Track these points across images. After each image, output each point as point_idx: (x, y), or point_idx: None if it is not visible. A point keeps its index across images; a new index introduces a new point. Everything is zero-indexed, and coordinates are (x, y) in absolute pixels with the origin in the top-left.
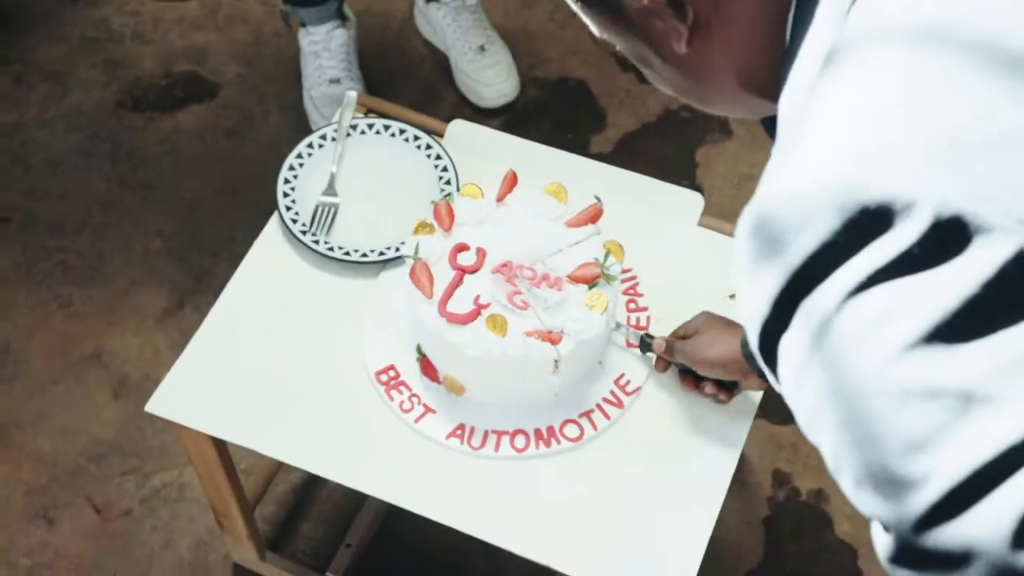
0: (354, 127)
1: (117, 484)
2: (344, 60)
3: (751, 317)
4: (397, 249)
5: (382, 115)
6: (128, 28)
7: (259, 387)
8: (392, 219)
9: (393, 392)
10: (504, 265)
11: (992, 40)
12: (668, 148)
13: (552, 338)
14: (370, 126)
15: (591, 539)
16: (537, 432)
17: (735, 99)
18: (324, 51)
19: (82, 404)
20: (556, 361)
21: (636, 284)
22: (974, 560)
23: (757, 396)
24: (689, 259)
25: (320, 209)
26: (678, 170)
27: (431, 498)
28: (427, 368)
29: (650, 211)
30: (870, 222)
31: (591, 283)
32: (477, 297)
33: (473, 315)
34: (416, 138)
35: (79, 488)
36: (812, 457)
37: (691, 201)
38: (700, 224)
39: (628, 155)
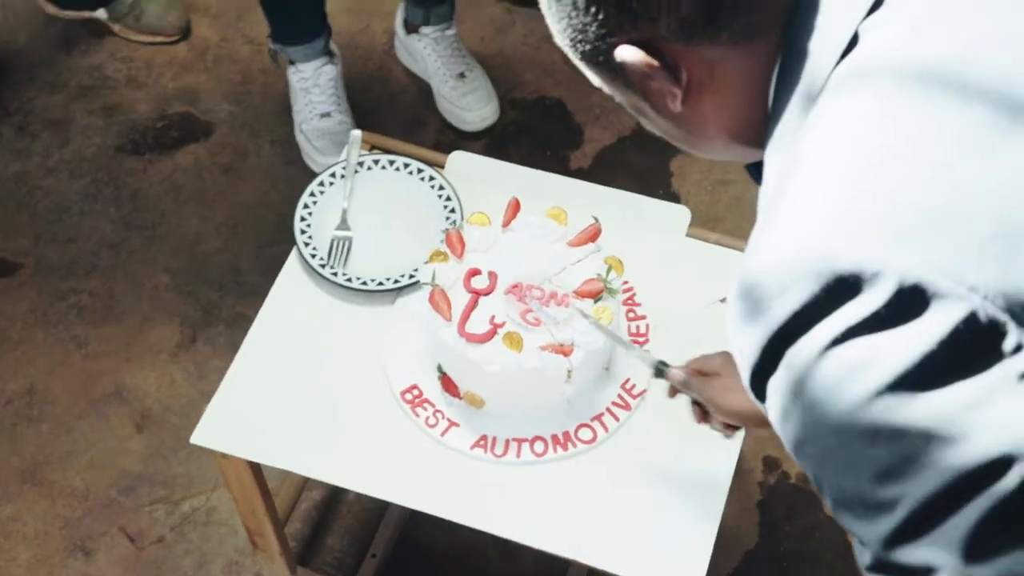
0: (361, 164)
1: (148, 513)
2: (333, 94)
3: (743, 361)
4: (411, 276)
5: (385, 151)
6: (122, 74)
7: (292, 412)
8: (403, 248)
9: (418, 409)
10: (515, 286)
11: (968, 81)
12: (643, 160)
13: (564, 350)
14: (376, 162)
15: (610, 532)
16: (554, 437)
17: (725, 148)
18: (314, 87)
19: (108, 439)
20: (569, 371)
21: (633, 295)
22: (937, 572)
23: None
24: (680, 268)
25: (335, 243)
26: (654, 180)
27: (460, 504)
28: (448, 385)
29: (641, 226)
30: (843, 288)
31: (596, 297)
32: (492, 317)
33: (490, 334)
34: (420, 171)
35: (112, 519)
36: None
37: (678, 214)
38: (688, 235)
39: (606, 169)
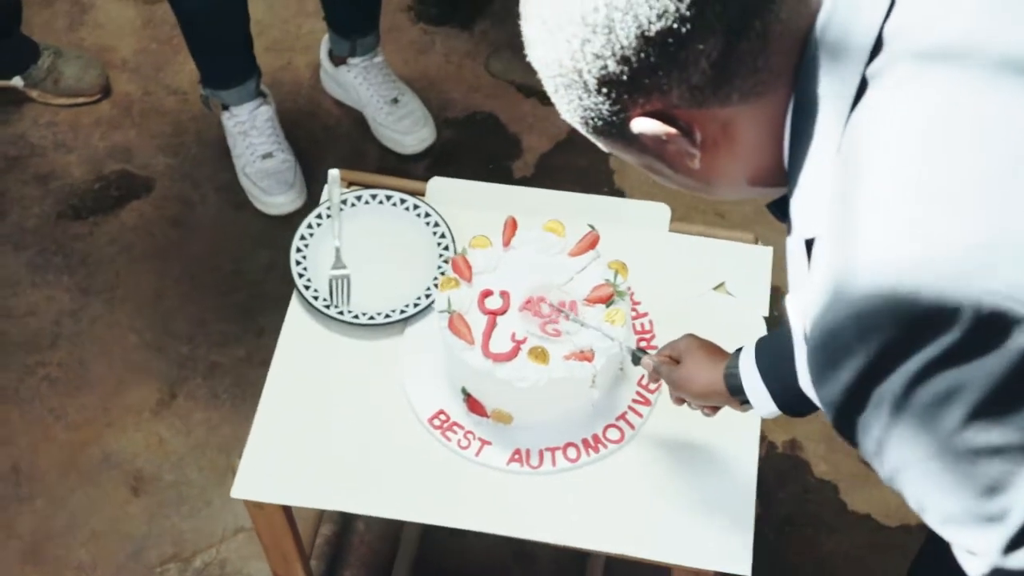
0: (344, 201)
1: (160, 575)
2: (272, 134)
3: (828, 405)
4: (416, 304)
5: (363, 185)
6: (48, 140)
7: (324, 453)
8: (402, 278)
9: (448, 433)
10: (528, 302)
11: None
12: (582, 161)
13: (587, 356)
14: (358, 198)
15: (653, 524)
16: (584, 442)
17: (742, 192)
18: (252, 129)
19: (105, 507)
20: (594, 376)
21: (632, 293)
22: None
23: None
24: (669, 262)
25: (335, 282)
26: (597, 180)
27: (504, 518)
28: (474, 406)
29: (626, 227)
30: (923, 327)
31: (608, 301)
32: (513, 334)
33: (515, 351)
34: (402, 201)
35: None
36: None
37: (659, 212)
38: (671, 230)
39: (548, 175)
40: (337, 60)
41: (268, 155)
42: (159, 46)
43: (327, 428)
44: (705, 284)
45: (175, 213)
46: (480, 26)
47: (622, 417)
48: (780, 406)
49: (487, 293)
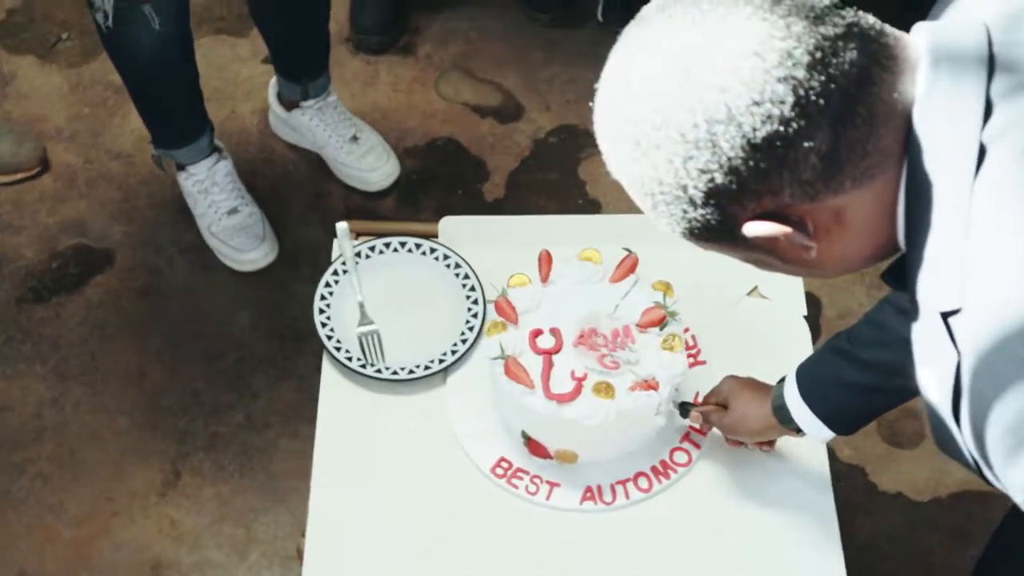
0: (358, 254)
1: None
2: (234, 188)
3: (1020, 492)
4: (454, 351)
5: (373, 235)
6: None
7: (386, 524)
8: (432, 324)
9: (514, 480)
10: (581, 336)
11: None
12: (552, 174)
13: (652, 385)
14: (372, 248)
15: (736, 546)
16: (654, 469)
17: (854, 268)
18: (212, 186)
19: None
20: (659, 404)
21: None
22: None
23: None
24: (698, 273)
25: (364, 339)
26: (570, 192)
27: (585, 560)
28: (536, 449)
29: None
30: None
31: (661, 324)
32: (572, 372)
33: (577, 390)
34: (417, 246)
35: None
36: None
37: None
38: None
39: (521, 193)
40: (289, 104)
41: (233, 210)
42: (92, 110)
43: (387, 496)
44: (739, 291)
45: (143, 282)
46: (422, 50)
47: (686, 438)
48: (834, 429)
49: (537, 332)
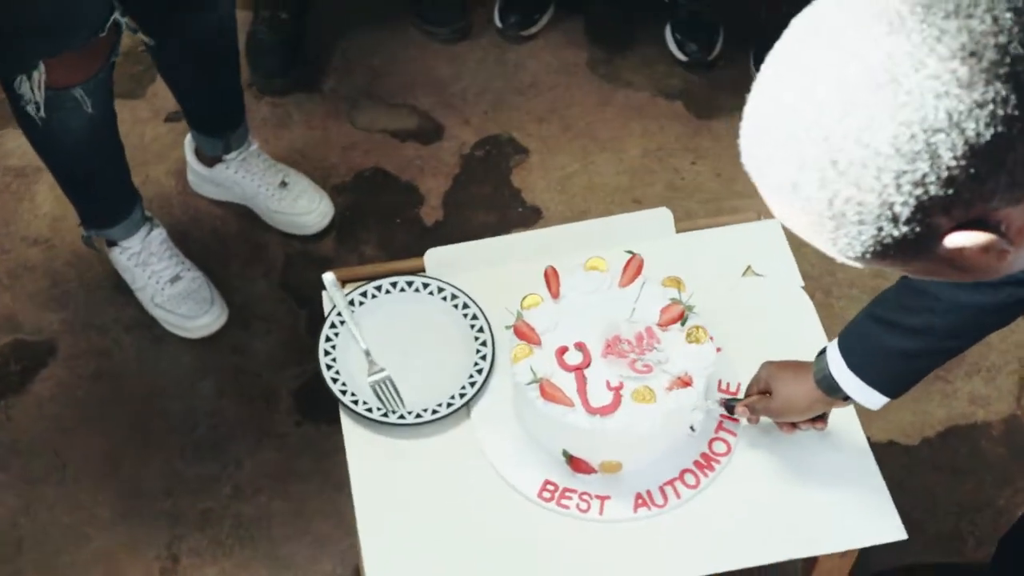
0: (352, 302)
1: None
2: (173, 255)
3: None
4: (472, 383)
5: (360, 280)
6: None
7: (444, 565)
8: (442, 360)
9: (563, 501)
10: (608, 346)
11: None
12: (487, 188)
13: (687, 381)
14: (363, 294)
15: (791, 523)
16: (697, 464)
17: None
18: (150, 257)
19: None
20: (697, 397)
21: None
22: None
23: None
24: (690, 261)
25: (378, 388)
26: (505, 202)
27: (652, 566)
28: (579, 465)
29: (639, 240)
30: None
31: (681, 319)
32: (607, 383)
33: (617, 400)
34: (409, 284)
35: None
36: None
37: (663, 217)
38: (678, 231)
39: (460, 211)
40: (211, 160)
41: (175, 278)
42: None
43: (438, 538)
44: (733, 273)
45: (93, 368)
46: (328, 84)
47: (720, 427)
48: (885, 393)
49: (563, 350)
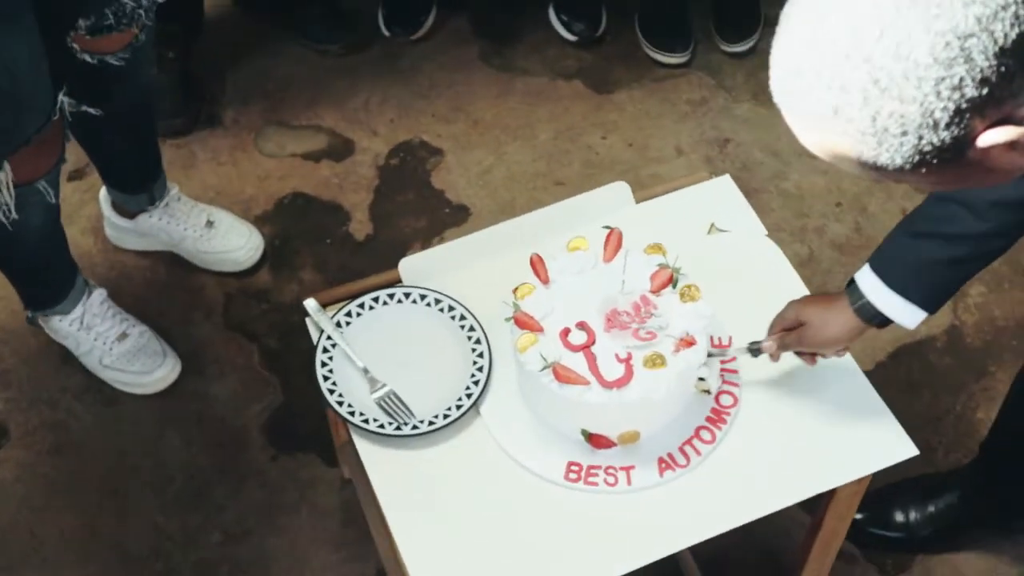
0: (338, 324)
1: None
2: (116, 313)
3: None
4: (475, 382)
5: (340, 300)
6: None
7: (485, 562)
8: (442, 364)
9: (590, 479)
10: (608, 320)
11: None
12: (409, 195)
13: (691, 341)
14: (348, 314)
15: (807, 462)
16: (709, 419)
17: None
18: (93, 319)
19: None
20: (703, 354)
21: None
22: None
23: None
24: (655, 230)
25: (384, 403)
26: (431, 205)
27: (689, 526)
28: (599, 441)
29: (603, 217)
30: None
31: (672, 282)
32: (616, 356)
33: (629, 370)
34: (391, 296)
35: None
36: None
37: (621, 191)
38: (637, 202)
39: (390, 222)
40: (132, 213)
41: (123, 336)
42: None
43: (477, 543)
44: (699, 232)
45: (51, 442)
46: (228, 117)
47: (725, 383)
48: (926, 309)
49: (566, 332)
